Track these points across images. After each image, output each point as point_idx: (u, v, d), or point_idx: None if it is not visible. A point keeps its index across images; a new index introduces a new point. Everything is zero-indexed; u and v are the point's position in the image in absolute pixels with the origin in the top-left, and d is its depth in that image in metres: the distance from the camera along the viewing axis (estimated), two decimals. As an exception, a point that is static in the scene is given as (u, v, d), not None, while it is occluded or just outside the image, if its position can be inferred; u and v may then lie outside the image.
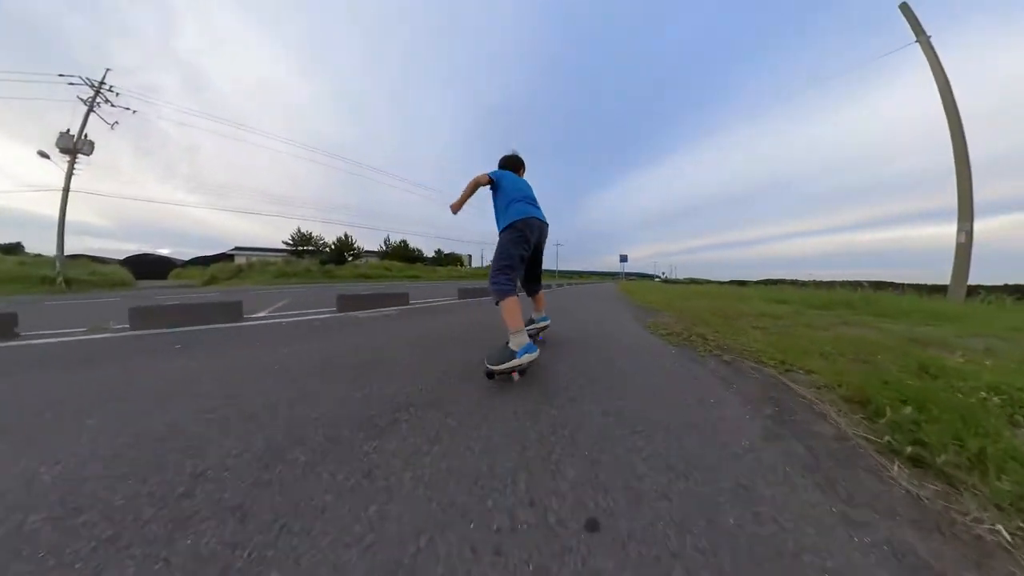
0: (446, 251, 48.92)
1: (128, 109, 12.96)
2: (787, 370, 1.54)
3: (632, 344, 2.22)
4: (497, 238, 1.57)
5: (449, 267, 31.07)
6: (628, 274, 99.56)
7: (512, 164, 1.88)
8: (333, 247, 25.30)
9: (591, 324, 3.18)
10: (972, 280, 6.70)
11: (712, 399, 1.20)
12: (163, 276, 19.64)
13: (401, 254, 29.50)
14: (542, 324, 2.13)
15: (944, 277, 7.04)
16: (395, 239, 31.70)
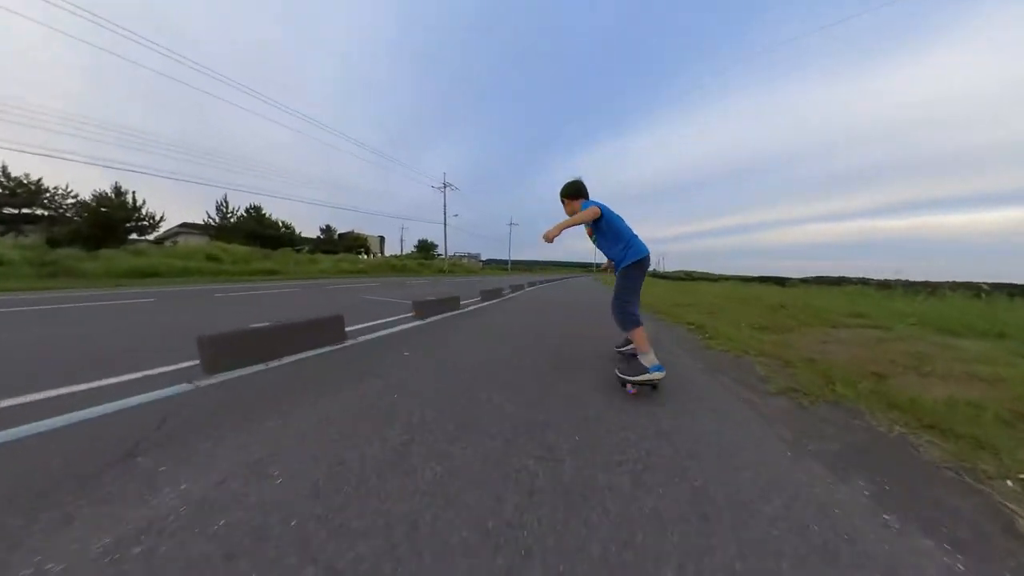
0: (343, 229, 42.69)
1: None
2: None
3: None
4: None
5: (342, 255, 25.56)
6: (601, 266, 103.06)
7: (586, 192, 2.33)
8: (89, 209, 16.98)
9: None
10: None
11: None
12: None
13: (250, 231, 22.80)
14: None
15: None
16: (241, 202, 24.67)
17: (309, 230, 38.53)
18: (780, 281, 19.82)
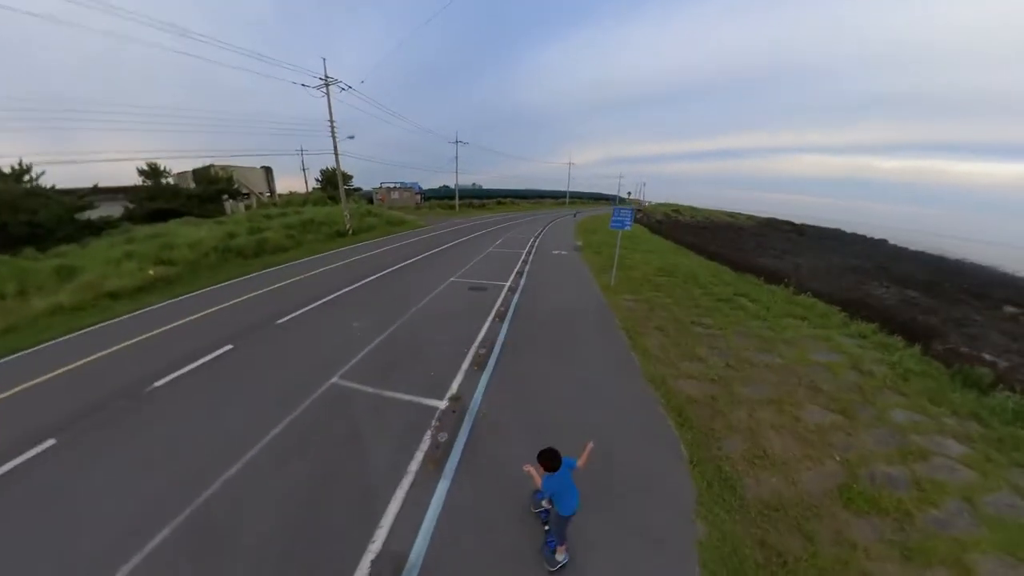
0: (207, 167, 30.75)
1: None
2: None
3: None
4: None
5: (129, 234, 15.05)
6: (579, 197, 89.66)
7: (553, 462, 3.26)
8: None
9: None
10: None
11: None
12: None
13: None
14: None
15: None
16: None
17: (121, 175, 27.42)
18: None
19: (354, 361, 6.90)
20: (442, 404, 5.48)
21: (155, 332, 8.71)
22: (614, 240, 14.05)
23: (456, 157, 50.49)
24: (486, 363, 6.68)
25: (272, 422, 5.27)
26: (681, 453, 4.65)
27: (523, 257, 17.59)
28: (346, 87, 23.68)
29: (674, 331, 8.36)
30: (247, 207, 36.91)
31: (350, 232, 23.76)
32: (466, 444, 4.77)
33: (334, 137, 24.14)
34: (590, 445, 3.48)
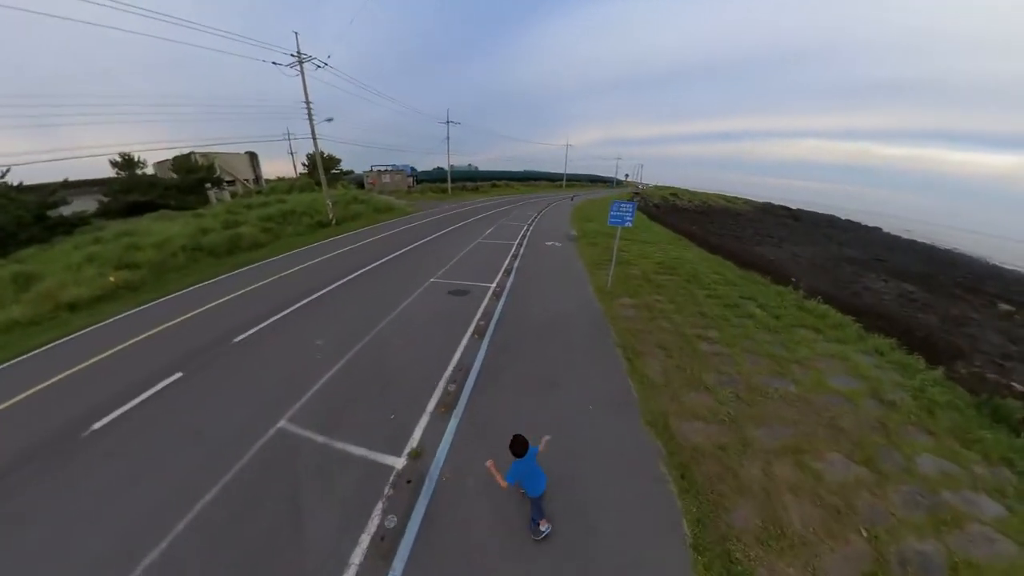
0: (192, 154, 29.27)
1: None
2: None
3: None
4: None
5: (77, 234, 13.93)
6: (576, 179, 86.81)
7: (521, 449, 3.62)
8: None
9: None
10: None
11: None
12: None
13: None
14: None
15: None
16: None
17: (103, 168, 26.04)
18: None
19: (308, 395, 6.02)
20: (399, 463, 4.63)
21: (107, 353, 7.79)
22: (611, 229, 12.66)
23: (447, 138, 48.40)
24: (456, 402, 5.79)
25: (205, 485, 4.42)
26: (683, 533, 3.85)
27: (513, 250, 16.54)
28: (321, 64, 22.02)
29: (677, 349, 7.49)
30: (233, 195, 35.38)
31: (333, 222, 22.53)
32: (423, 521, 3.95)
33: (311, 119, 22.60)
34: (546, 438, 4.04)
